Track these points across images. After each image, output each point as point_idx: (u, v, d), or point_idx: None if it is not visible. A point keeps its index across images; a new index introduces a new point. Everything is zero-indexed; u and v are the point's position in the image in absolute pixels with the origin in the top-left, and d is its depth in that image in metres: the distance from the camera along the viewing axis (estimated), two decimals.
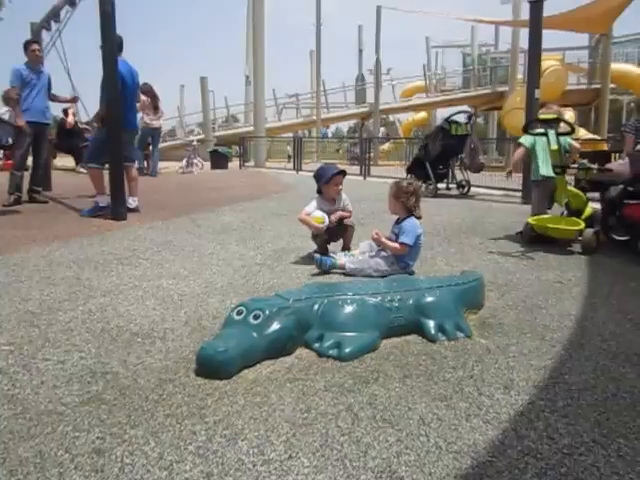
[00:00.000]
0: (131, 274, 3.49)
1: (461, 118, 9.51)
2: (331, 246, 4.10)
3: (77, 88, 7.51)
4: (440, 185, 9.40)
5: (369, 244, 3.78)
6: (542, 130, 4.87)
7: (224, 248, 4.38)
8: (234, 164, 17.27)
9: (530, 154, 5.18)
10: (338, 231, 4.03)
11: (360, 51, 30.49)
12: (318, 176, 4.05)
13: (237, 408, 1.83)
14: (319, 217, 3.89)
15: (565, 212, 4.90)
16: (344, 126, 46.56)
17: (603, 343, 2.47)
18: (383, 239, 3.53)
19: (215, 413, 1.79)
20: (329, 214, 3.95)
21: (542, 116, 5.00)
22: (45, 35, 7.92)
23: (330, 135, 31.79)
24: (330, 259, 3.61)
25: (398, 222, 3.59)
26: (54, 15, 7.74)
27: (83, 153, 10.09)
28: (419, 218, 3.60)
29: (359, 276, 3.44)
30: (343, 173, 4.07)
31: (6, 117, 5.96)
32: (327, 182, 3.98)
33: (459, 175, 9.60)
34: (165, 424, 1.72)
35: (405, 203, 3.55)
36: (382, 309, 2.44)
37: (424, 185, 9.37)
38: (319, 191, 4.07)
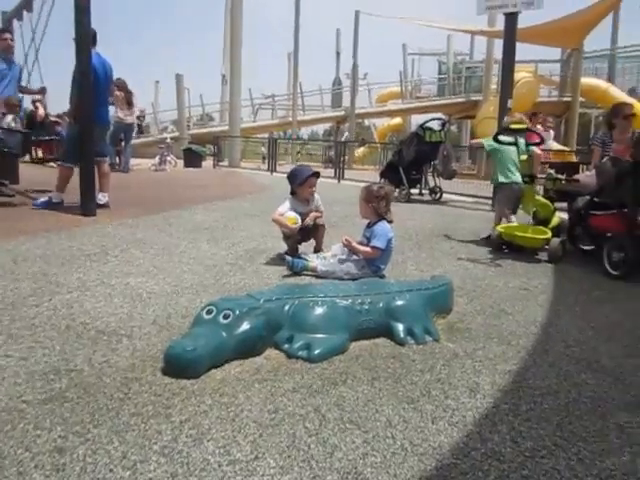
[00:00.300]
0: (99, 271, 3.43)
1: (435, 125, 9.63)
2: (303, 247, 4.11)
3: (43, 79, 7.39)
4: (413, 190, 9.49)
5: (340, 247, 3.80)
6: (512, 139, 4.97)
7: (195, 247, 4.34)
8: (208, 163, 17.12)
9: (492, 158, 5.29)
10: (310, 231, 4.04)
11: (338, 54, 30.60)
12: (292, 177, 4.06)
13: (204, 408, 1.81)
14: (292, 217, 3.90)
15: (532, 221, 5.01)
16: (319, 129, 46.69)
17: (566, 349, 2.53)
18: (354, 244, 3.56)
19: (181, 413, 1.78)
20: (303, 215, 3.96)
21: (513, 126, 5.10)
22: (15, 24, 7.75)
23: (305, 137, 31.75)
24: (302, 262, 3.61)
25: (369, 226, 3.62)
26: (26, 5, 7.58)
27: (53, 146, 9.87)
28: (390, 222, 3.63)
29: (330, 278, 3.45)
30: (317, 175, 4.08)
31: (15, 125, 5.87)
32: (301, 183, 3.99)
33: (432, 181, 9.70)
34: (130, 423, 1.70)
35: (376, 207, 3.58)
36: (352, 311, 2.45)
37: (397, 190, 9.46)
38: (292, 192, 4.08)
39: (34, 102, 10.99)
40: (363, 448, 1.64)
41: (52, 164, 10.65)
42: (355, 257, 3.56)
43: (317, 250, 4.06)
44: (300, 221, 3.91)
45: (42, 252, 3.82)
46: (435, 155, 9.21)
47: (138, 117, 6.41)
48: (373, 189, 3.62)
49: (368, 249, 3.51)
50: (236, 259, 3.96)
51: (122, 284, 3.17)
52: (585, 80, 21.89)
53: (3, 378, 1.94)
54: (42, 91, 7.36)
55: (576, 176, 5.42)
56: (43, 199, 5.94)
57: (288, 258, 3.63)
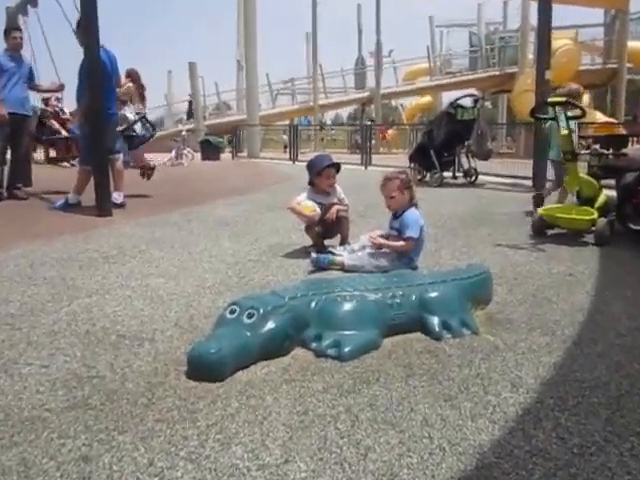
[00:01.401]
0: (118, 273, 3.51)
1: (468, 102, 9.54)
2: (330, 241, 4.13)
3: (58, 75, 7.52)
4: (445, 174, 9.43)
5: (369, 237, 3.81)
6: (551, 114, 4.89)
7: (216, 244, 4.40)
8: (226, 155, 17.28)
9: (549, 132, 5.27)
10: (333, 226, 4.06)
11: (359, 32, 30.45)
12: (310, 166, 4.10)
13: (231, 411, 1.85)
14: (310, 206, 3.94)
15: (576, 201, 4.92)
16: (344, 113, 46.56)
17: (617, 338, 2.50)
18: (384, 241, 3.55)
19: (207, 417, 1.82)
20: (323, 206, 3.99)
21: (551, 99, 5.01)
22: (20, 20, 7.92)
23: (329, 122, 31.74)
24: (327, 257, 3.64)
25: (396, 216, 3.61)
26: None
27: (65, 145, 10.07)
28: (416, 205, 3.63)
29: (359, 272, 3.46)
30: (336, 166, 4.09)
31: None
32: (318, 173, 4.03)
33: (466, 163, 9.63)
34: (155, 429, 1.75)
35: (412, 195, 3.58)
36: (383, 306, 2.46)
37: (428, 174, 9.42)
38: (311, 182, 4.11)
39: (45, 100, 11.23)
40: (398, 449, 1.66)
41: (66, 163, 10.88)
42: (385, 249, 3.57)
43: (343, 243, 4.07)
44: (318, 209, 3.93)
45: (59, 255, 3.92)
46: (469, 134, 9.13)
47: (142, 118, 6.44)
48: (402, 175, 3.62)
49: (401, 242, 3.50)
50: (259, 255, 4.01)
51: (142, 286, 3.24)
52: (633, 44, 21.29)
53: (25, 387, 2.01)
54: (60, 88, 7.48)
55: (624, 150, 5.31)
56: (60, 201, 6.08)
57: (313, 255, 3.65)
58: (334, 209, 4.01)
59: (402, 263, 3.49)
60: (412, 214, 3.55)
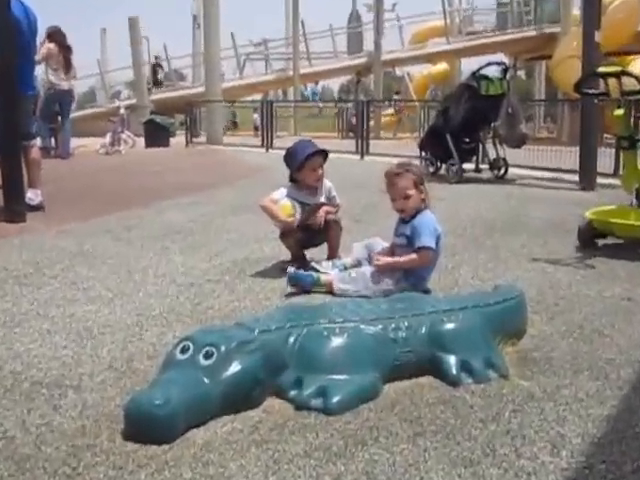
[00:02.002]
0: (33, 298, 3.48)
1: (494, 72, 9.62)
2: (313, 251, 4.13)
3: None
4: (466, 166, 9.49)
5: (366, 246, 3.82)
6: (602, 89, 4.95)
7: (165, 259, 4.40)
8: (178, 140, 17.26)
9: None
10: (320, 232, 4.09)
11: None
12: (289, 157, 4.12)
13: None
14: (287, 206, 3.95)
15: (635, 201, 4.96)
16: (333, 85, 46.80)
17: None
18: (392, 260, 3.56)
19: None
20: (308, 208, 4.02)
21: (602, 69, 5.08)
22: None
23: (317, 97, 31.89)
24: (310, 275, 3.64)
25: (406, 220, 3.62)
26: None
27: None
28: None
29: (352, 297, 3.47)
30: (324, 154, 4.11)
31: None
32: (300, 167, 4.03)
33: (492, 151, 9.69)
34: None
35: (425, 193, 3.60)
36: (384, 341, 2.47)
37: (444, 166, 9.48)
38: (292, 179, 4.12)
39: None
40: None
41: None
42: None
43: (331, 257, 4.10)
44: (299, 213, 3.95)
45: None
46: (496, 114, 9.20)
47: None
48: (414, 169, 3.64)
49: (413, 256, 3.51)
50: (221, 274, 4.01)
51: (65, 315, 3.21)
52: None
53: None
54: None
55: None
56: None
57: (290, 271, 3.65)
58: (322, 211, 4.03)
59: (409, 283, 3.50)
60: (427, 218, 3.57)
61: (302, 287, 3.59)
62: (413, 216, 3.58)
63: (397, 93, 24.80)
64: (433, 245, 3.52)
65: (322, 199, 4.12)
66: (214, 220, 5.81)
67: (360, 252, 3.84)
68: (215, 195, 7.43)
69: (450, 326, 2.58)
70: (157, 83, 24.56)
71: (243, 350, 2.25)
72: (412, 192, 3.54)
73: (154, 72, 24.59)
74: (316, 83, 31.06)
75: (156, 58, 25.44)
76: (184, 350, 2.25)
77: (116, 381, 2.48)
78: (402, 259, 3.54)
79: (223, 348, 2.22)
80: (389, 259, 3.57)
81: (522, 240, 5.05)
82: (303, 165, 4.03)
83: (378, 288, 3.49)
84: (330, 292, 3.56)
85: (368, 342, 2.45)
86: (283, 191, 4.05)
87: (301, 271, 3.67)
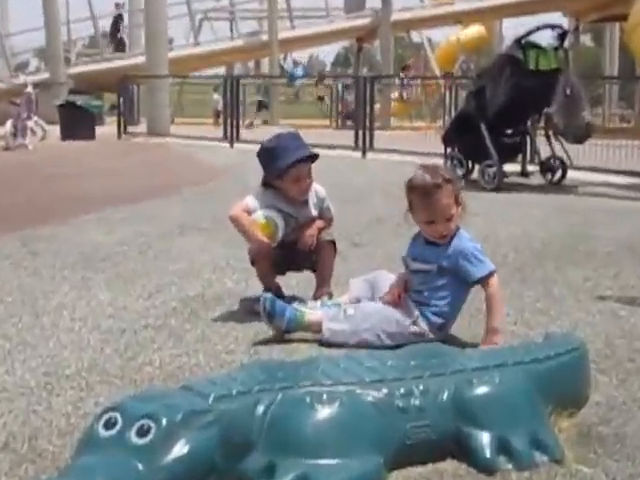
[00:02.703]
0: None
1: (548, 39, 9.71)
2: (295, 284, 4.13)
3: None
4: (508, 168, 9.53)
5: (368, 282, 3.81)
6: None
7: (86, 296, 4.39)
8: (108, 129, 17.28)
9: None
10: (306, 256, 4.10)
11: None
12: (266, 158, 4.11)
13: None
14: (265, 223, 3.95)
15: None
16: (326, 54, 47.07)
17: None
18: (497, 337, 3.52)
19: None
20: (293, 223, 4.04)
21: None
22: None
23: (299, 71, 32.03)
24: (291, 310, 3.64)
25: (436, 244, 3.61)
26: None
27: None
28: None
29: (348, 346, 3.47)
30: (313, 158, 4.14)
31: None
32: (281, 174, 4.04)
33: (545, 148, 9.74)
34: None
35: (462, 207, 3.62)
36: (390, 411, 2.44)
37: (478, 168, 9.50)
38: (267, 183, 4.14)
39: None
40: None
41: None
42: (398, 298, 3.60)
43: (320, 293, 4.10)
44: (281, 230, 3.95)
45: None
46: (549, 97, 9.26)
47: None
48: (454, 178, 3.67)
49: (494, 297, 3.54)
50: (165, 317, 4.00)
51: None
52: None
53: None
54: None
55: None
56: None
57: (267, 296, 3.63)
58: (313, 229, 4.05)
59: (427, 328, 3.52)
60: (466, 238, 3.60)
61: (278, 325, 3.58)
62: (450, 238, 3.60)
63: (405, 69, 24.70)
64: (494, 269, 3.57)
65: (313, 212, 4.13)
66: (155, 242, 5.80)
67: (361, 290, 3.82)
68: (157, 208, 7.41)
69: (482, 391, 2.56)
70: (118, 44, 24.14)
71: (192, 424, 2.22)
72: (454, 211, 3.55)
73: (115, 28, 24.28)
74: (295, 64, 30.85)
75: (117, 6, 25.21)
76: (110, 424, 2.22)
77: (13, 467, 2.44)
78: (497, 310, 3.55)
79: (164, 422, 2.19)
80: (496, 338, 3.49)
81: (585, 271, 5.06)
82: (285, 173, 4.04)
83: (382, 331, 3.50)
84: (318, 339, 3.54)
85: (368, 413, 2.42)
86: (255, 199, 4.06)
87: (279, 303, 3.64)
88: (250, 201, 4.03)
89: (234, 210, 4.04)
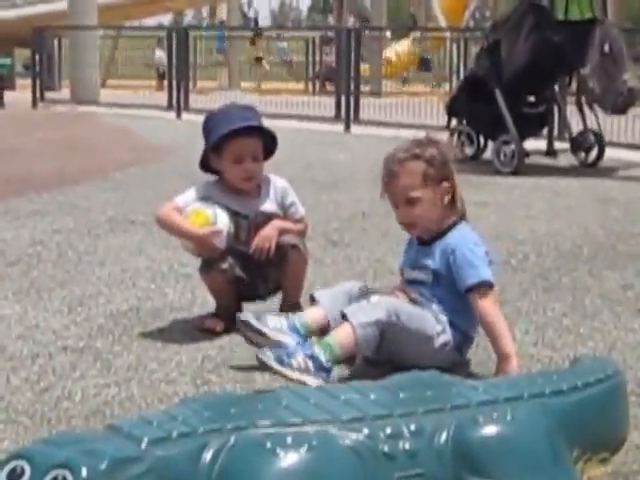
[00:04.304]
0: None
1: None
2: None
3: None
4: (530, 145, 9.56)
5: (347, 295, 3.81)
6: None
7: None
8: (20, 95, 17.25)
9: None
10: (268, 268, 4.11)
11: None
12: (206, 128, 4.18)
13: None
14: (201, 212, 3.98)
15: None
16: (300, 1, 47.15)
17: None
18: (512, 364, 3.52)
19: None
20: (244, 220, 4.07)
21: None
22: None
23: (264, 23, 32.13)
24: (251, 316, 3.67)
25: (429, 242, 3.67)
26: None
27: None
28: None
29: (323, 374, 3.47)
30: (262, 134, 4.17)
31: None
32: (217, 150, 4.10)
33: (577, 120, 9.77)
34: None
35: (447, 191, 3.63)
36: (372, 458, 2.44)
37: (493, 144, 9.52)
38: (210, 168, 4.20)
39: None
40: None
41: None
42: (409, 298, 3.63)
43: (287, 307, 4.12)
44: (226, 226, 3.97)
45: None
46: (582, 55, 9.27)
47: None
48: (431, 153, 3.66)
49: (487, 309, 3.52)
50: (89, 337, 4.01)
51: None
52: None
53: None
54: None
55: None
56: None
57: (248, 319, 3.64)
58: (269, 229, 4.06)
59: (420, 352, 3.53)
60: (465, 232, 3.63)
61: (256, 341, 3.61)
62: (440, 235, 3.64)
63: (364, 21, 24.61)
64: (492, 279, 3.57)
65: (269, 207, 4.13)
66: (77, 242, 5.79)
67: (333, 304, 3.80)
68: (80, 197, 7.39)
69: (490, 431, 2.56)
70: None
71: (120, 475, 2.23)
72: (418, 194, 3.59)
73: None
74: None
75: None
76: (15, 476, 2.23)
77: None
78: (498, 331, 3.51)
79: (84, 472, 2.19)
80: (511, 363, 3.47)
81: (625, 278, 5.10)
82: (221, 149, 4.06)
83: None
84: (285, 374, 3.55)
85: (344, 460, 2.42)
86: (193, 193, 4.09)
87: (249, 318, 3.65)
88: (181, 198, 4.06)
89: (161, 210, 4.07)
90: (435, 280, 3.60)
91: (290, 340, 3.62)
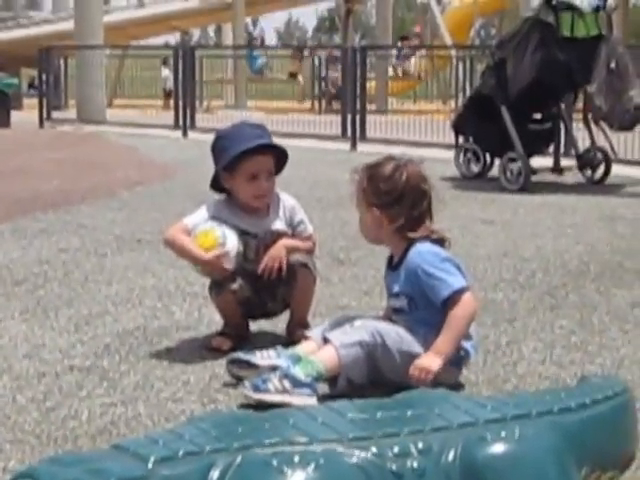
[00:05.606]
0: None
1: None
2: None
3: None
4: (536, 162, 9.54)
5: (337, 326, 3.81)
6: None
7: None
8: (27, 115, 17.25)
9: None
10: (277, 287, 4.10)
11: None
12: (217, 148, 4.17)
13: None
14: (210, 233, 3.94)
15: None
16: (307, 17, 47.23)
17: None
18: (431, 367, 3.49)
19: None
20: (252, 240, 4.05)
21: None
22: None
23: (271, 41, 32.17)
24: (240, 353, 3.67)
25: (396, 265, 3.70)
26: None
27: None
28: (441, 242, 3.70)
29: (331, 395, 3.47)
30: (275, 152, 4.18)
31: None
32: (229, 169, 4.08)
33: (584, 137, 9.76)
34: None
35: (393, 215, 3.63)
36: (380, 476, 2.44)
37: (500, 162, 9.51)
38: (220, 187, 4.18)
39: None
40: None
41: None
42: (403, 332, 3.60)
43: (294, 330, 4.11)
44: (234, 247, 3.96)
45: None
46: (588, 72, 9.27)
47: None
48: (380, 170, 3.67)
49: (455, 317, 3.52)
50: (95, 357, 4.00)
51: None
52: None
53: None
54: None
55: None
56: None
57: (238, 356, 3.64)
58: (278, 248, 4.05)
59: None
60: (421, 249, 3.63)
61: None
62: (401, 259, 3.67)
63: (404, 40, 24.69)
64: (466, 284, 3.58)
65: (278, 226, 4.14)
66: (84, 261, 5.79)
67: (321, 334, 3.76)
68: (87, 216, 7.39)
69: (498, 449, 2.55)
70: None
71: None
72: (358, 205, 3.73)
73: None
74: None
75: None
76: None
77: None
78: (454, 328, 3.53)
79: None
80: (430, 368, 3.46)
81: (633, 295, 5.08)
82: (234, 167, 4.06)
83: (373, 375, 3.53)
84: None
85: (352, 478, 2.42)
86: (204, 213, 4.07)
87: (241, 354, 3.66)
88: (190, 219, 4.04)
89: (169, 231, 4.06)
90: (412, 304, 3.62)
91: (282, 362, 3.60)
